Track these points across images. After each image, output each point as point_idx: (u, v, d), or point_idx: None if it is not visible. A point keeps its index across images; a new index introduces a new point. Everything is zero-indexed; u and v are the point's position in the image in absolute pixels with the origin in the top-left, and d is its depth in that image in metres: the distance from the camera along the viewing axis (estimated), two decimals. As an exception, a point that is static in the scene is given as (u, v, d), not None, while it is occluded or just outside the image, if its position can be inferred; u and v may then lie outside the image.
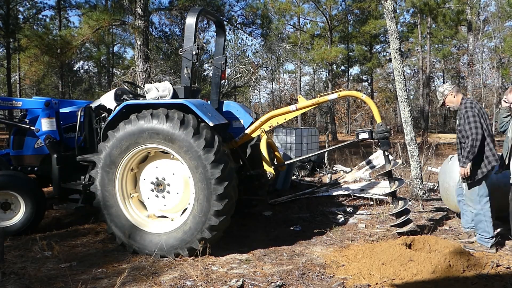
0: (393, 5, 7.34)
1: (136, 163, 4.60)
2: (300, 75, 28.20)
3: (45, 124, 5.22)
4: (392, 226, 5.15)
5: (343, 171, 9.61)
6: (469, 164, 4.39)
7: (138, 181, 4.66)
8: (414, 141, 7.27)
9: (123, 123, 4.36)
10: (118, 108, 4.58)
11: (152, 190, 4.53)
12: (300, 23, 26.97)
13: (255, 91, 32.30)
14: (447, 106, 4.82)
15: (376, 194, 6.98)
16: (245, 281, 3.72)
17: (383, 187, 7.09)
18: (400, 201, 5.01)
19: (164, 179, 4.48)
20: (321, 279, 3.82)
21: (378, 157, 7.55)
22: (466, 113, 4.45)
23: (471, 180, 4.51)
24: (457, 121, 4.66)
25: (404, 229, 4.89)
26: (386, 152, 4.91)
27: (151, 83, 5.33)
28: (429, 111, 21.87)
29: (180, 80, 4.92)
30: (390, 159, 5.04)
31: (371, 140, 5.03)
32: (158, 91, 4.68)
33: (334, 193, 7.43)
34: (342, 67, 32.65)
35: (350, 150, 12.48)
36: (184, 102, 4.32)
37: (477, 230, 4.61)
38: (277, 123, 5.05)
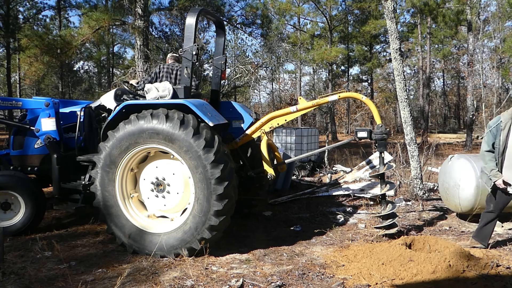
0: (393, 5, 7.33)
1: (136, 163, 4.60)
2: (300, 75, 28.15)
3: (45, 124, 5.22)
4: (376, 227, 5.21)
5: (343, 171, 9.61)
6: None
7: (138, 181, 4.66)
8: (414, 141, 7.27)
9: (123, 123, 4.36)
10: (118, 108, 4.58)
11: (152, 190, 4.53)
12: (300, 23, 26.96)
13: (255, 91, 32.31)
14: None
15: (376, 194, 6.98)
16: (245, 281, 3.72)
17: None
18: (388, 204, 5.06)
19: (164, 179, 4.48)
20: (321, 279, 3.82)
21: (378, 157, 7.55)
22: None
23: None
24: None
25: (388, 232, 4.97)
26: (382, 153, 4.94)
27: (151, 83, 5.33)
28: (429, 111, 21.87)
29: (180, 80, 4.92)
30: (385, 161, 5.08)
31: (370, 140, 5.05)
32: (158, 91, 4.68)
33: (334, 193, 7.43)
34: (342, 67, 32.62)
35: (350, 150, 12.47)
36: (184, 102, 4.32)
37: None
38: (278, 124, 5.07)
